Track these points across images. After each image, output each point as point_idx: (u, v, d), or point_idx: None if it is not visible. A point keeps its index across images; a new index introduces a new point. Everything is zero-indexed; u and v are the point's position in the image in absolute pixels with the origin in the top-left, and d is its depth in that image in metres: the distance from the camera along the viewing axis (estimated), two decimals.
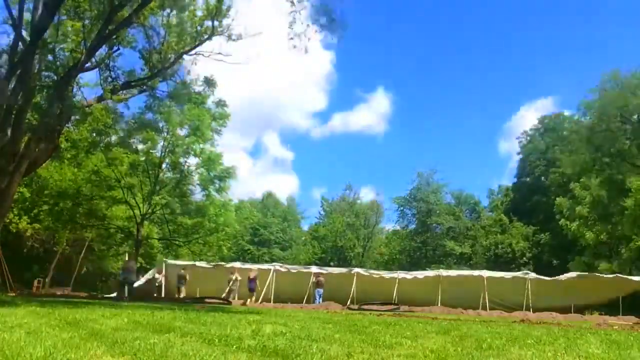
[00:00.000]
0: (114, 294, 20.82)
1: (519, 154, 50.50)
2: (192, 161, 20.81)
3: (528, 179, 48.54)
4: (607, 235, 29.29)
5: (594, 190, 30.46)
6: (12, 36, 14.41)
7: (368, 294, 22.78)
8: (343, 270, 24.23)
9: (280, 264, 25.51)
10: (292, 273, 23.72)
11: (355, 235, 50.79)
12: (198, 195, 21.61)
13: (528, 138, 49.95)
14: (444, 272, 23.83)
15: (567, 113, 47.36)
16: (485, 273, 22.84)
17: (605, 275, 22.30)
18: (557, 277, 21.99)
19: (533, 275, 22.63)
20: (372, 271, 24.51)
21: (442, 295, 21.34)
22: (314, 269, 24.09)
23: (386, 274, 24.18)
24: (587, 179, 31.76)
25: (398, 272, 24.25)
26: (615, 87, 32.50)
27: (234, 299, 19.74)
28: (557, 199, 35.18)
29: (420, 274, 24.13)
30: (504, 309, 20.03)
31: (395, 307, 18.90)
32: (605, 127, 32.07)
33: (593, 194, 30.40)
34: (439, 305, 20.77)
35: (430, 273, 24.08)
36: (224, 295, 19.82)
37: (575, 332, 7.20)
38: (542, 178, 46.34)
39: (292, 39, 13.99)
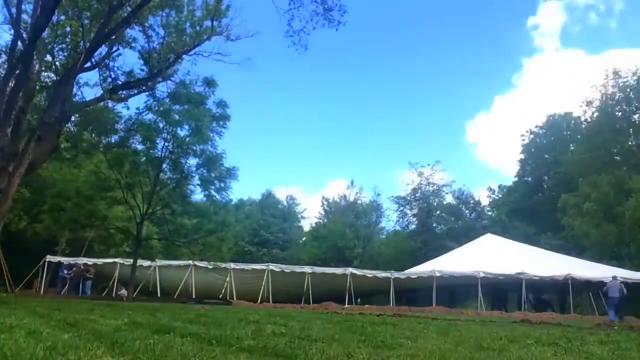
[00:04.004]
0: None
1: (521, 152, 50.31)
2: (193, 161, 20.77)
3: (530, 179, 48.42)
4: (612, 235, 29.19)
5: (600, 188, 30.28)
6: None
7: (363, 293, 22.84)
8: (337, 270, 24.32)
9: (275, 264, 25.62)
10: (286, 273, 23.85)
11: (356, 235, 50.76)
12: (198, 196, 21.59)
13: (530, 137, 49.70)
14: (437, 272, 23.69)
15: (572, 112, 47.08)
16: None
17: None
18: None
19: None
20: (365, 271, 24.57)
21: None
22: (307, 269, 24.20)
23: (380, 274, 24.32)
24: (594, 177, 31.56)
25: (392, 271, 24.36)
26: (617, 86, 32.56)
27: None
28: (563, 195, 34.93)
29: (413, 274, 24.30)
30: None
31: None
32: (607, 126, 32.04)
33: (599, 193, 30.22)
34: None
35: (424, 273, 24.06)
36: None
37: (575, 332, 7.20)
38: (545, 177, 46.22)
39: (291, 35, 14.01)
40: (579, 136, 41.91)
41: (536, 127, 49.90)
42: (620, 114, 32.48)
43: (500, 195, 52.56)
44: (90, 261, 25.20)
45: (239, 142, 78.09)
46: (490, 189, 54.84)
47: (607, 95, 32.76)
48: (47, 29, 14.07)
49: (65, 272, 24.50)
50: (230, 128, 20.78)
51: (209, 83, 19.99)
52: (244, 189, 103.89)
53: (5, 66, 14.64)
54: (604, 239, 29.13)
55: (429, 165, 49.75)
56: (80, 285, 24.89)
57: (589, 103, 34.61)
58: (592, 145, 33.54)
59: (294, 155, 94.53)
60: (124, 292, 23.61)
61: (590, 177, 31.67)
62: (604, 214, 29.95)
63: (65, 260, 25.33)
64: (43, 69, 15.99)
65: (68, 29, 16.09)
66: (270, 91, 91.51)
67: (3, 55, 15.68)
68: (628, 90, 32.03)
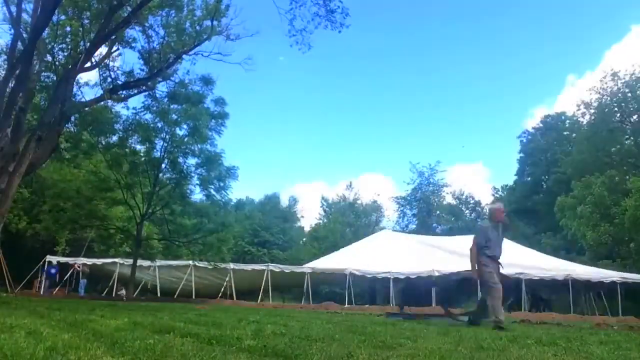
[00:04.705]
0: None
1: (519, 152, 50.67)
2: (192, 161, 20.79)
3: (529, 179, 48.66)
4: (609, 236, 29.22)
5: (595, 190, 30.41)
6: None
7: (363, 292, 22.75)
8: (336, 269, 24.13)
9: (274, 264, 25.67)
10: (285, 273, 23.89)
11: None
12: (198, 195, 21.61)
13: (529, 137, 50.08)
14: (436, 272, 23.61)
15: (568, 113, 47.56)
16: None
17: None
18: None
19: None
20: (364, 270, 24.47)
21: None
22: (307, 269, 24.19)
23: (379, 274, 24.22)
24: (588, 179, 31.73)
25: (390, 271, 24.12)
26: (614, 86, 32.60)
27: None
28: (559, 197, 35.12)
29: (412, 274, 24.14)
30: None
31: None
32: (605, 127, 32.12)
33: (594, 194, 30.34)
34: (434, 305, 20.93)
35: (422, 273, 23.97)
36: None
37: (575, 333, 7.20)
38: (543, 177, 46.44)
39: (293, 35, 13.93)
40: (574, 135, 42.12)
41: (534, 127, 50.32)
42: (618, 115, 32.54)
43: (502, 195, 52.79)
44: (89, 261, 25.22)
45: (241, 142, 78.28)
46: (494, 188, 55.10)
47: (605, 97, 32.82)
48: (47, 29, 14.06)
49: (53, 271, 24.52)
50: (234, 129, 20.86)
51: (207, 81, 19.98)
52: (246, 189, 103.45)
53: (5, 66, 14.63)
54: (600, 239, 29.17)
55: (430, 165, 49.98)
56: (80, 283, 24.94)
57: (587, 105, 34.70)
58: (590, 146, 33.63)
59: (315, 152, 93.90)
60: (123, 292, 23.64)
61: (584, 179, 31.76)
62: (600, 215, 30.00)
63: (63, 260, 25.36)
64: (43, 69, 15.99)
65: (68, 29, 16.09)
66: (282, 90, 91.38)
67: (3, 55, 15.68)
68: (627, 90, 32.08)
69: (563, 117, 47.95)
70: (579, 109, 36.52)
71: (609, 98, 32.55)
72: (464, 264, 24.31)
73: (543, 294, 26.81)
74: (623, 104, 31.96)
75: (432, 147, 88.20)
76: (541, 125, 49.47)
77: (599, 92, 33.34)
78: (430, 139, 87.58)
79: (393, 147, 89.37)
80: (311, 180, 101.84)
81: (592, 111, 34.39)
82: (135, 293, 22.13)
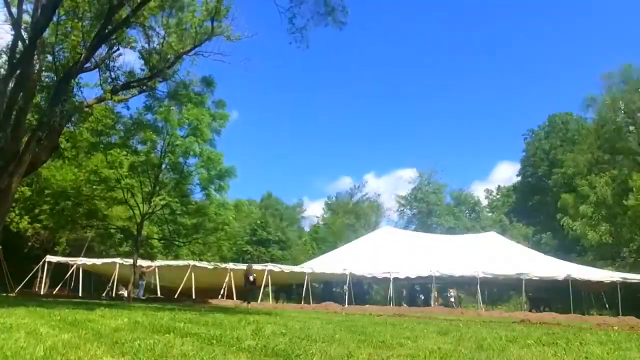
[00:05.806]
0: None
1: (522, 152, 50.58)
2: (192, 161, 20.82)
3: (531, 179, 48.57)
4: (611, 236, 29.14)
5: (599, 189, 30.23)
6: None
7: (364, 293, 22.77)
8: (336, 270, 24.08)
9: (274, 264, 25.78)
10: (285, 273, 23.99)
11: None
12: (198, 195, 21.62)
13: (532, 137, 49.90)
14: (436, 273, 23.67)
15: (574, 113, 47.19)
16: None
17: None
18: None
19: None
20: (364, 271, 24.46)
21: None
22: (307, 268, 24.24)
23: (380, 275, 24.21)
24: (592, 177, 31.54)
25: (391, 272, 24.06)
26: (620, 84, 32.47)
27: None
28: (563, 195, 34.95)
29: (412, 274, 24.11)
30: None
31: None
32: (609, 125, 32.03)
33: (598, 194, 30.19)
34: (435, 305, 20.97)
35: (422, 273, 23.96)
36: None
37: (575, 333, 7.20)
38: (545, 178, 46.40)
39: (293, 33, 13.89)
40: (576, 136, 42.01)
41: (538, 127, 50.14)
42: (624, 113, 32.46)
43: (498, 196, 52.85)
44: (89, 261, 25.19)
45: (244, 144, 78.25)
46: (488, 190, 55.11)
47: (611, 95, 32.73)
48: (47, 29, 14.05)
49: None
50: (234, 130, 20.88)
51: (208, 83, 19.99)
52: (248, 191, 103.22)
53: (6, 66, 14.61)
54: (602, 239, 29.10)
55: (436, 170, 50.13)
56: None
57: (591, 102, 34.61)
58: (595, 145, 33.56)
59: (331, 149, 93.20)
60: (124, 292, 23.61)
61: (588, 178, 31.64)
62: (602, 215, 29.92)
63: (63, 260, 25.29)
64: (43, 69, 15.96)
65: (68, 29, 16.06)
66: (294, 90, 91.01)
67: (3, 56, 15.66)
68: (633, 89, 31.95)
69: (567, 117, 47.63)
70: (583, 107, 36.41)
71: (615, 96, 32.42)
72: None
73: (543, 294, 26.81)
74: (630, 102, 31.82)
75: (476, 144, 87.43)
76: (545, 124, 49.25)
77: (605, 91, 33.23)
78: (474, 135, 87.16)
79: (429, 141, 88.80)
80: (336, 177, 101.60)
81: (598, 109, 34.22)
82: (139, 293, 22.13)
